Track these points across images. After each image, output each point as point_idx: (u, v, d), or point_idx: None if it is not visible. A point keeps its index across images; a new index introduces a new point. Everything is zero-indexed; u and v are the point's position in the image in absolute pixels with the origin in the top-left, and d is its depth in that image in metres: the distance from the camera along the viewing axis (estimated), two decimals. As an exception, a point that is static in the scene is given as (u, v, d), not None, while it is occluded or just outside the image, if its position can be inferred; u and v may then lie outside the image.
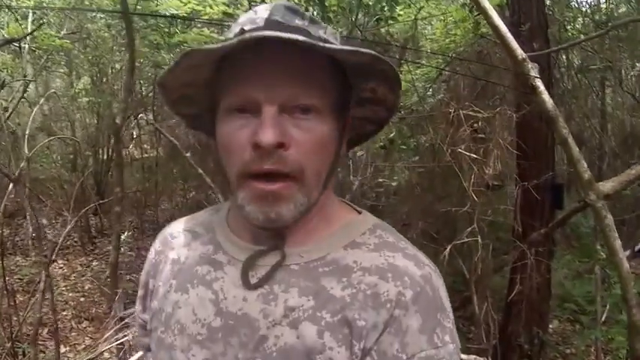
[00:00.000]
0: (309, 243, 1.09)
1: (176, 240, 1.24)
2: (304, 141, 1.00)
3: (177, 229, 1.27)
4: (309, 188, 1.03)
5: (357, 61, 1.02)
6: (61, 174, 9.69)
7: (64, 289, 7.29)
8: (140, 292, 1.28)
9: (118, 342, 4.12)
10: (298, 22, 1.05)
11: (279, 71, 0.99)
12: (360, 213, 1.18)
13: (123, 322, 4.32)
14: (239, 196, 1.03)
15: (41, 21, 7.04)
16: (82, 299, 7.32)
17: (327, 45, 0.96)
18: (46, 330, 6.13)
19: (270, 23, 1.02)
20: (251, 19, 1.05)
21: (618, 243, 2.27)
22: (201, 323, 1.08)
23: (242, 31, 1.02)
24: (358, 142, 1.27)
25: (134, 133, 11.08)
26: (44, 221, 5.33)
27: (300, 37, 0.93)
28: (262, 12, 1.05)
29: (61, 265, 7.80)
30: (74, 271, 8.10)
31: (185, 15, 6.96)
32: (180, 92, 1.12)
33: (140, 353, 3.93)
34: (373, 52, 1.00)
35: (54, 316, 5.14)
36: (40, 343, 5.76)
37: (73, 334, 6.25)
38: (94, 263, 8.73)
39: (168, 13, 6.96)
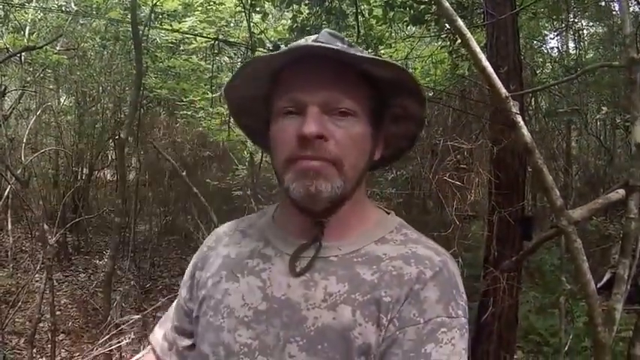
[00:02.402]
0: (345, 238, 1.25)
1: (228, 238, 1.40)
2: (341, 136, 1.17)
3: (230, 228, 1.44)
4: (346, 176, 1.18)
5: (385, 75, 1.22)
6: (42, 189, 9.78)
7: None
8: (188, 282, 1.42)
9: (112, 348, 4.24)
10: (339, 44, 1.22)
11: (321, 79, 1.19)
12: (388, 214, 1.35)
13: (118, 329, 4.45)
14: (285, 178, 1.19)
15: (35, 35, 7.16)
16: (58, 313, 7.35)
17: (357, 54, 1.18)
18: (22, 340, 6.22)
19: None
20: (298, 44, 1.23)
21: (586, 265, 2.36)
22: (248, 307, 1.23)
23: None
24: (395, 158, 1.45)
25: (110, 155, 11.17)
26: (45, 227, 5.41)
27: (335, 47, 1.16)
28: (310, 38, 1.27)
29: (37, 279, 7.88)
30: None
31: (173, 42, 7.18)
32: (242, 105, 1.35)
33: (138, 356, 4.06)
34: (395, 63, 1.23)
35: (52, 315, 5.24)
36: (17, 351, 5.85)
37: (49, 345, 6.30)
38: (80, 276, 8.82)
39: (159, 40, 7.18)
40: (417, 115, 1.32)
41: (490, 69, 2.35)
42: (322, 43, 1.20)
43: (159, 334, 1.47)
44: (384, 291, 1.16)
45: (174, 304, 1.49)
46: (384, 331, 1.13)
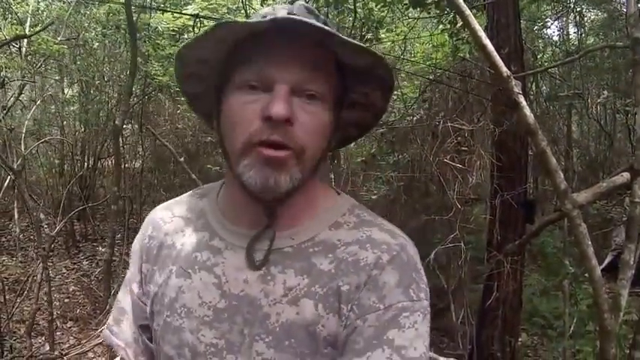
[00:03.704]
0: (296, 225, 1.19)
1: (168, 225, 1.31)
2: (308, 122, 1.08)
3: (167, 214, 1.34)
4: (304, 167, 1.11)
5: (360, 63, 1.13)
6: (48, 178, 9.83)
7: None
8: (137, 277, 1.33)
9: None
10: (313, 21, 1.09)
11: (294, 57, 1.08)
12: (339, 194, 1.28)
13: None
14: (242, 163, 1.09)
15: (38, 27, 7.19)
16: (66, 300, 7.40)
17: (345, 38, 1.06)
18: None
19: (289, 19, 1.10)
20: (271, 13, 1.13)
21: (591, 250, 2.32)
22: (207, 306, 1.17)
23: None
24: (339, 146, 1.36)
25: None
26: (42, 216, 5.44)
27: (326, 27, 1.05)
28: (281, 9, 1.15)
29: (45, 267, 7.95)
30: (59, 274, 8.18)
31: (176, 29, 7.15)
32: (192, 69, 1.20)
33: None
34: (378, 53, 1.13)
35: (49, 305, 5.24)
36: (23, 339, 5.86)
37: (57, 333, 6.33)
38: (83, 263, 8.86)
39: (160, 28, 7.16)
40: (377, 105, 1.25)
41: (491, 47, 2.30)
42: (297, 16, 1.10)
43: (124, 335, 1.34)
44: (341, 280, 1.12)
45: (127, 299, 1.36)
46: (344, 320, 1.10)
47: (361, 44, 1.11)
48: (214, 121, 1.21)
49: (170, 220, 1.32)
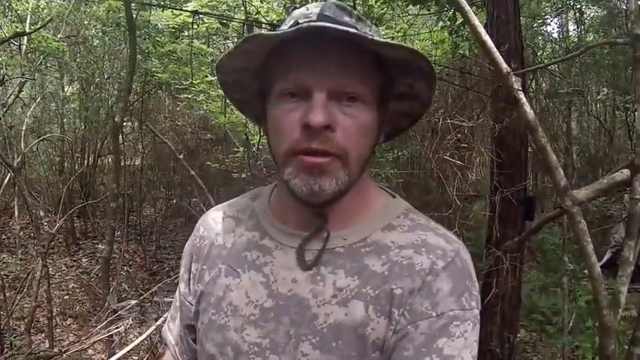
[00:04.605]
0: (349, 226, 1.18)
1: (220, 226, 1.32)
2: (349, 126, 1.08)
3: (219, 215, 1.36)
4: (351, 169, 1.10)
5: (398, 56, 1.11)
6: (48, 175, 9.84)
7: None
8: (185, 276, 1.35)
9: (111, 333, 4.25)
10: (347, 19, 1.13)
11: (329, 61, 1.08)
12: (394, 197, 1.27)
13: (116, 315, 4.45)
14: (285, 171, 1.11)
15: (38, 24, 7.20)
16: (66, 297, 7.42)
17: (375, 38, 1.06)
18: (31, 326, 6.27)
19: (322, 17, 1.10)
20: (304, 14, 1.14)
21: (590, 247, 2.31)
22: (253, 305, 1.17)
23: (297, 24, 1.10)
24: (393, 136, 1.36)
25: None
26: (41, 213, 5.46)
27: (352, 30, 1.03)
28: (314, 8, 1.15)
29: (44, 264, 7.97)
30: (59, 271, 8.21)
31: (176, 27, 7.15)
32: (232, 77, 1.23)
33: (130, 347, 4.07)
34: (413, 48, 1.12)
35: (49, 302, 5.25)
36: (23, 337, 5.87)
37: (57, 330, 6.35)
38: (82, 261, 8.88)
39: (160, 25, 7.15)
40: (423, 96, 1.23)
41: (490, 43, 2.29)
42: (329, 16, 1.11)
43: (174, 333, 1.39)
44: (394, 283, 1.11)
45: (177, 297, 1.40)
46: (395, 324, 1.08)
47: (392, 42, 1.11)
48: (263, 125, 1.23)
49: (222, 221, 1.34)
